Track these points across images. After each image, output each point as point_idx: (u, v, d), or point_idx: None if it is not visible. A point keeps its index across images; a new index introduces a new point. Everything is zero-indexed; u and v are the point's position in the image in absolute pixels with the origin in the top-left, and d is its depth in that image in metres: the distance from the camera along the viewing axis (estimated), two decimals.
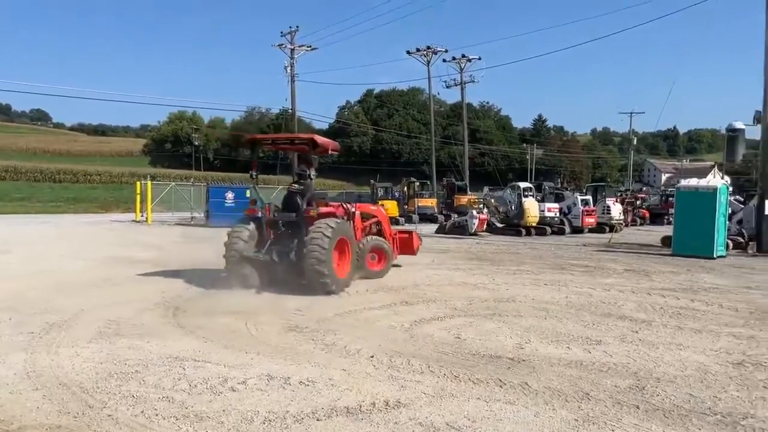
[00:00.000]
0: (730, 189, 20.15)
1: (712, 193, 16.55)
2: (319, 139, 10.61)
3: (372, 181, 36.37)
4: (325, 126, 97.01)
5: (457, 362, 6.00)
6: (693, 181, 18.38)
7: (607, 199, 30.93)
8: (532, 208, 25.45)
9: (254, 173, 10.84)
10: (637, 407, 4.77)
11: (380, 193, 33.95)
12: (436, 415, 4.57)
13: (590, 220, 27.65)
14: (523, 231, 24.85)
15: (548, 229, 25.83)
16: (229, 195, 28.48)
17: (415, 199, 35.26)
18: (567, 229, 26.62)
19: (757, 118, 18.89)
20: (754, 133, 18.93)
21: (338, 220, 10.12)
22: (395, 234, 13.00)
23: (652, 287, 11.01)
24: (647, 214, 37.62)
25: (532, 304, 9.25)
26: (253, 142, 11.45)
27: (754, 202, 19.48)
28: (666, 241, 18.77)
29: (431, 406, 4.74)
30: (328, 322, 7.79)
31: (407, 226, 24.24)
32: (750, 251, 18.05)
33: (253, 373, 5.54)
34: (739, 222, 19.81)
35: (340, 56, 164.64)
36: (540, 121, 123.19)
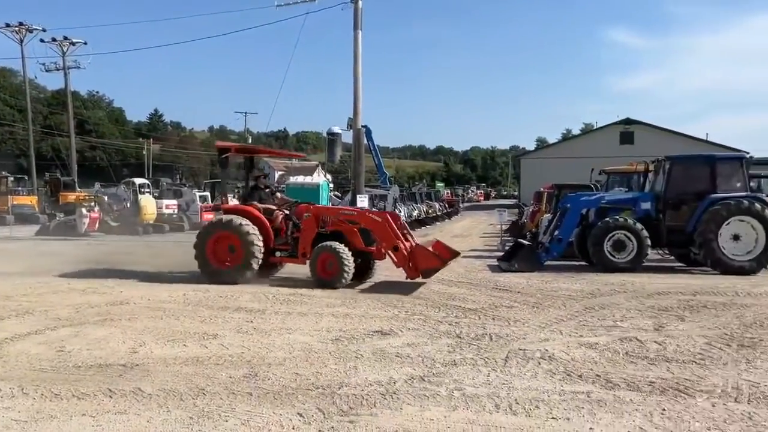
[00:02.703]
0: (331, 185, 22.82)
1: (315, 189, 18.53)
2: (219, 144, 13.10)
3: None
4: None
5: (58, 378, 5.35)
6: (300, 179, 20.25)
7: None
8: (149, 206, 24.58)
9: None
10: (251, 394, 4.98)
11: None
12: None
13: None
14: (141, 229, 23.78)
15: (166, 227, 25.27)
16: None
17: (9, 197, 30.45)
18: (186, 225, 26.46)
19: (350, 124, 21.71)
20: (350, 137, 21.75)
21: (227, 218, 11.16)
22: (413, 247, 10.79)
23: (269, 278, 11.66)
24: None
25: (149, 305, 8.88)
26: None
27: (348, 197, 22.38)
28: None
29: None
30: None
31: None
32: None
33: None
34: None
35: None
36: (156, 116, 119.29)
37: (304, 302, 9.21)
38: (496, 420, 4.47)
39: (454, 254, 11.48)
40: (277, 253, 11.50)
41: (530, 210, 23.99)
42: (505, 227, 23.21)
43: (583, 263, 13.81)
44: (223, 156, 12.25)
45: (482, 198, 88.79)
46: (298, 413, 4.55)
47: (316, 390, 5.09)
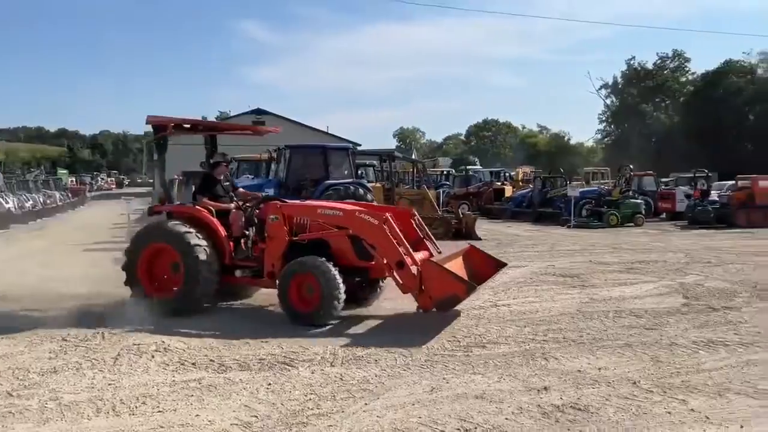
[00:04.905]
0: None
1: None
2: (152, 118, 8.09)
3: None
4: None
5: None
6: None
7: None
8: None
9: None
10: None
11: None
12: None
13: None
14: None
15: None
16: None
17: None
18: None
19: None
20: None
21: (164, 224, 7.90)
22: (422, 263, 6.99)
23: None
24: None
25: None
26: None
27: None
28: None
29: None
30: None
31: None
32: None
33: None
34: None
35: None
36: None
37: None
38: (95, 425, 4.14)
39: (497, 267, 8.18)
40: (238, 272, 8.08)
41: None
42: (135, 217, 21.97)
43: None
44: (159, 135, 8.19)
45: (114, 186, 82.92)
46: None
47: None
